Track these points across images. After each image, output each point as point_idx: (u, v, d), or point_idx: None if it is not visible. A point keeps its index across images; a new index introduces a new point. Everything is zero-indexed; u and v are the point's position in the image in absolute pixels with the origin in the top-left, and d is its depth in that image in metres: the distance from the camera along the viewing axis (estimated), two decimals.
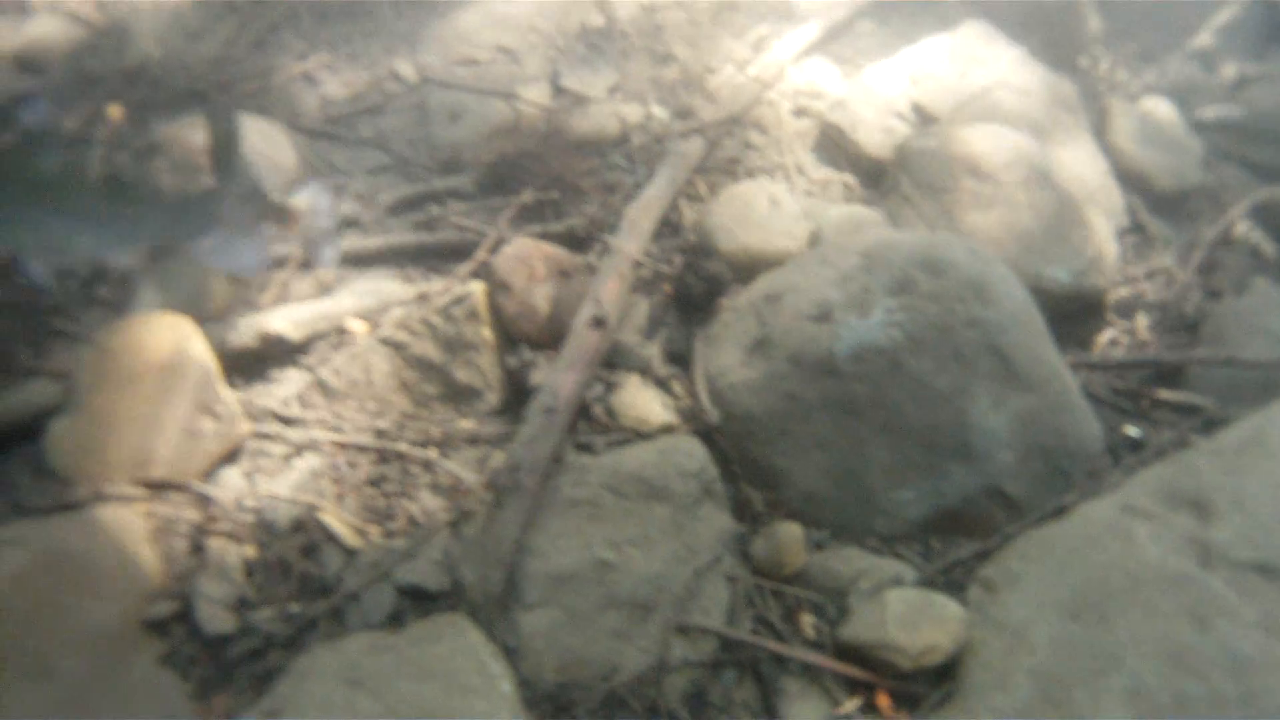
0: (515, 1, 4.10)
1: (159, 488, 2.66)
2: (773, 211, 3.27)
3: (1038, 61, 3.99)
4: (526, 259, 2.92)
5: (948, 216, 3.40)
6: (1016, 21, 4.17)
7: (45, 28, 4.08)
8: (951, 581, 2.60)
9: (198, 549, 2.59)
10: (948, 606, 2.44)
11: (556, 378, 2.70)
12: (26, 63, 3.94)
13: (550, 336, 2.88)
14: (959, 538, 2.76)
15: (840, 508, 2.82)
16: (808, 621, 2.57)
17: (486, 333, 2.90)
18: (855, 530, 2.76)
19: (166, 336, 2.74)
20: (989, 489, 2.76)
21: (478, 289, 2.91)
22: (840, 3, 4.27)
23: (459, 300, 2.89)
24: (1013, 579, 2.58)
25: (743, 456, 2.88)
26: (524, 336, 2.89)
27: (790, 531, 2.70)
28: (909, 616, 2.43)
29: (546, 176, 3.21)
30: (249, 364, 2.90)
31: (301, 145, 3.46)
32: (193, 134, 3.34)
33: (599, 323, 2.80)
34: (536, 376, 2.81)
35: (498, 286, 2.91)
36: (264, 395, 2.87)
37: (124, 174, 3.30)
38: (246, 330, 2.90)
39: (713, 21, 4.16)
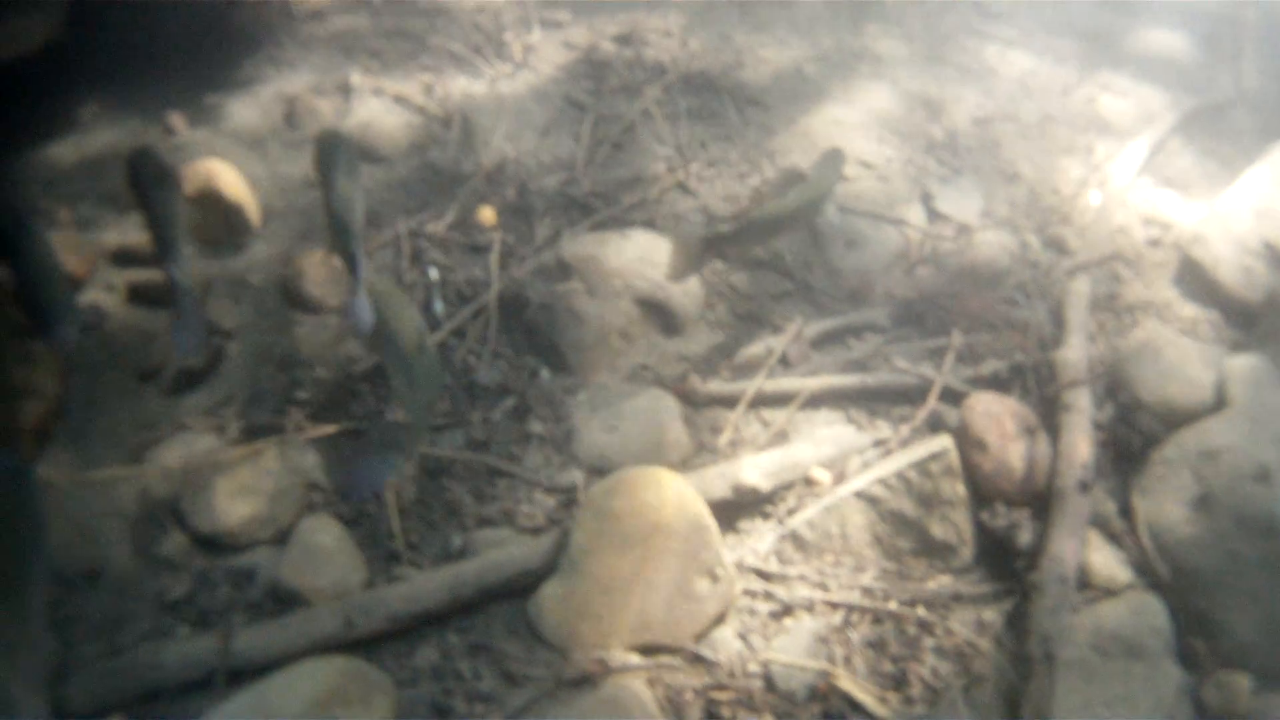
0: (852, 106, 4.24)
1: (657, 652, 2.75)
2: (1180, 360, 3.49)
3: None
4: (998, 416, 3.09)
5: None
6: None
7: (373, 111, 4.07)
8: None
9: (712, 718, 2.69)
10: None
11: (1062, 545, 2.88)
12: (366, 150, 3.91)
13: (1025, 494, 3.06)
14: None
15: (1274, 657, 3.07)
16: None
17: (961, 489, 3.05)
18: None
19: (666, 497, 2.82)
20: None
21: (950, 444, 3.07)
22: (1153, 116, 4.53)
23: (935, 456, 3.04)
24: None
25: (1186, 609, 3.10)
26: (999, 494, 3.06)
27: (1239, 682, 2.94)
28: None
29: (964, 316, 3.37)
30: (718, 515, 3.00)
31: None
32: (603, 250, 3.41)
33: (1085, 486, 2.99)
34: (1023, 537, 2.99)
35: (972, 443, 3.07)
36: (738, 548, 2.98)
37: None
38: (720, 482, 3.00)
39: (1040, 135, 4.38)
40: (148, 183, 3.12)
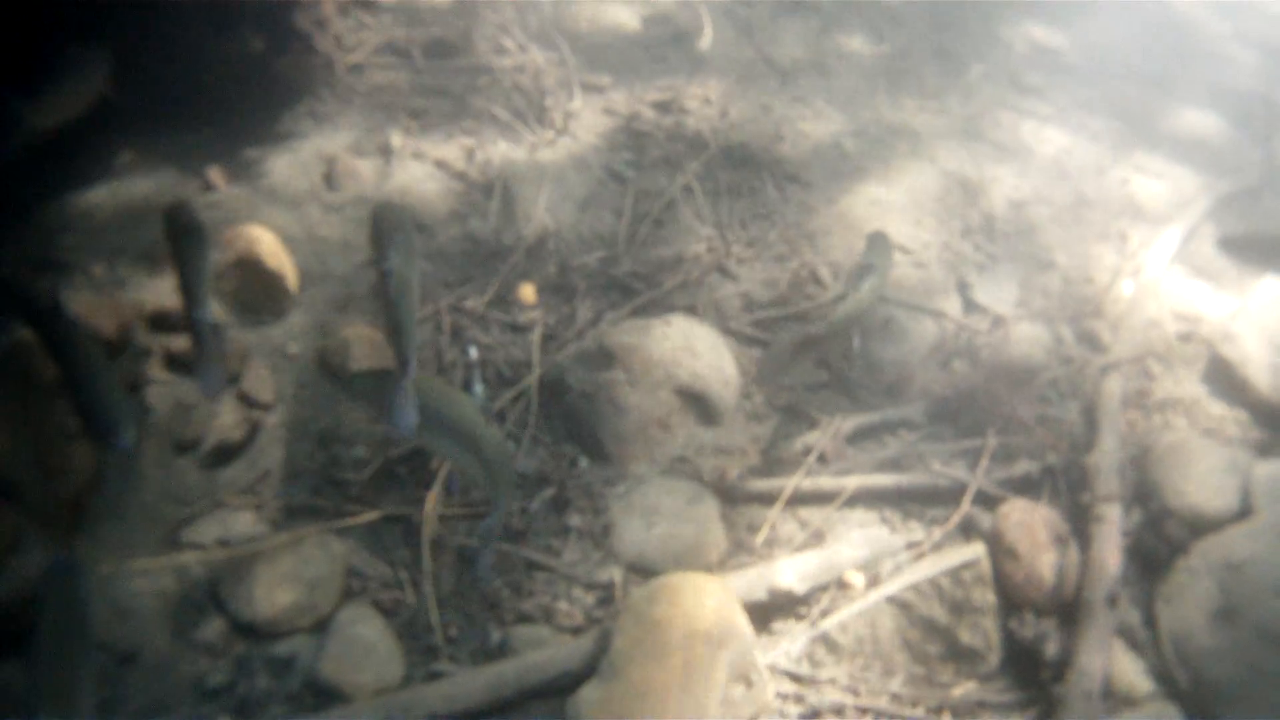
0: (891, 185, 4.30)
1: None
2: (1207, 466, 3.57)
3: None
4: (1030, 526, 3.17)
5: None
6: None
7: (414, 175, 4.11)
8: None
9: None
10: None
11: (1089, 659, 2.96)
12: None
13: (1053, 604, 3.14)
14: None
15: None
16: None
17: (991, 596, 3.13)
18: None
19: (706, 605, 2.88)
20: None
21: (983, 553, 3.14)
22: (1186, 199, 4.61)
23: (968, 564, 3.12)
24: None
25: (1205, 717, 3.20)
26: (1028, 603, 3.14)
27: None
28: None
29: (999, 415, 3.45)
30: (753, 616, 3.06)
31: (735, 350, 3.61)
32: (645, 339, 3.46)
33: (1113, 601, 3.07)
34: (1050, 648, 3.07)
35: (1004, 552, 3.15)
36: (771, 650, 3.05)
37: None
38: (757, 585, 3.07)
39: (1075, 219, 4.45)
40: (179, 233, 3.25)
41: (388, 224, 3.22)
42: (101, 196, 4.13)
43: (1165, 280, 4.31)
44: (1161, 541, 3.41)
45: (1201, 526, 3.52)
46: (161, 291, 3.70)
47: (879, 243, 3.72)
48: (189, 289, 3.16)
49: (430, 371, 3.47)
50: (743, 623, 2.94)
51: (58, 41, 3.64)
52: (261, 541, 3.04)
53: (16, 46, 3.53)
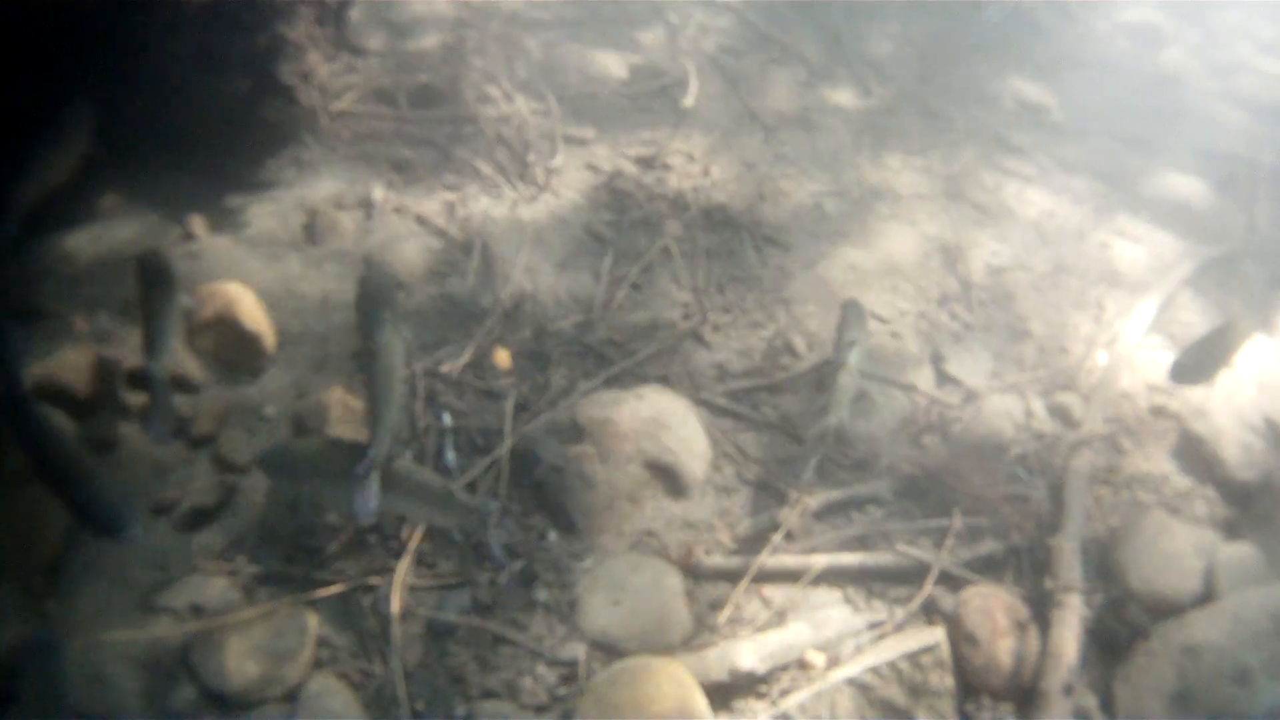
0: (870, 250, 4.38)
1: None
2: (1172, 549, 3.67)
3: None
4: (990, 612, 3.28)
5: None
6: None
7: (394, 231, 4.19)
8: None
9: None
10: None
11: None
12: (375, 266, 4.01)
13: (1011, 690, 3.24)
14: None
15: None
16: None
17: (950, 680, 3.23)
18: None
19: (666, 690, 2.99)
20: None
21: (943, 638, 3.24)
22: (1165, 265, 4.69)
23: (927, 649, 3.21)
24: None
25: None
26: (986, 688, 3.24)
27: None
28: None
29: (966, 494, 3.54)
30: (713, 695, 3.15)
31: (707, 422, 3.70)
32: (616, 412, 3.53)
33: (1069, 690, 3.16)
34: None
35: (964, 637, 3.25)
36: None
37: None
38: (718, 666, 3.17)
39: (1053, 286, 4.54)
40: (148, 281, 3.47)
41: (376, 293, 3.32)
42: (83, 241, 4.19)
43: (1141, 350, 4.40)
44: (1123, 625, 3.50)
45: (1163, 610, 3.62)
46: (140, 346, 3.79)
47: (854, 312, 3.82)
48: (151, 337, 3.35)
49: (403, 441, 3.55)
50: (702, 707, 3.03)
51: (43, 107, 3.71)
52: (234, 613, 3.13)
53: (4, 128, 3.60)
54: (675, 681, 3.01)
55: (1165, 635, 3.53)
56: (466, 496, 3.15)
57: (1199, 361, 3.97)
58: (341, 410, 3.64)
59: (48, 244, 4.16)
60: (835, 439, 3.55)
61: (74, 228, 4.21)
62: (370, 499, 2.94)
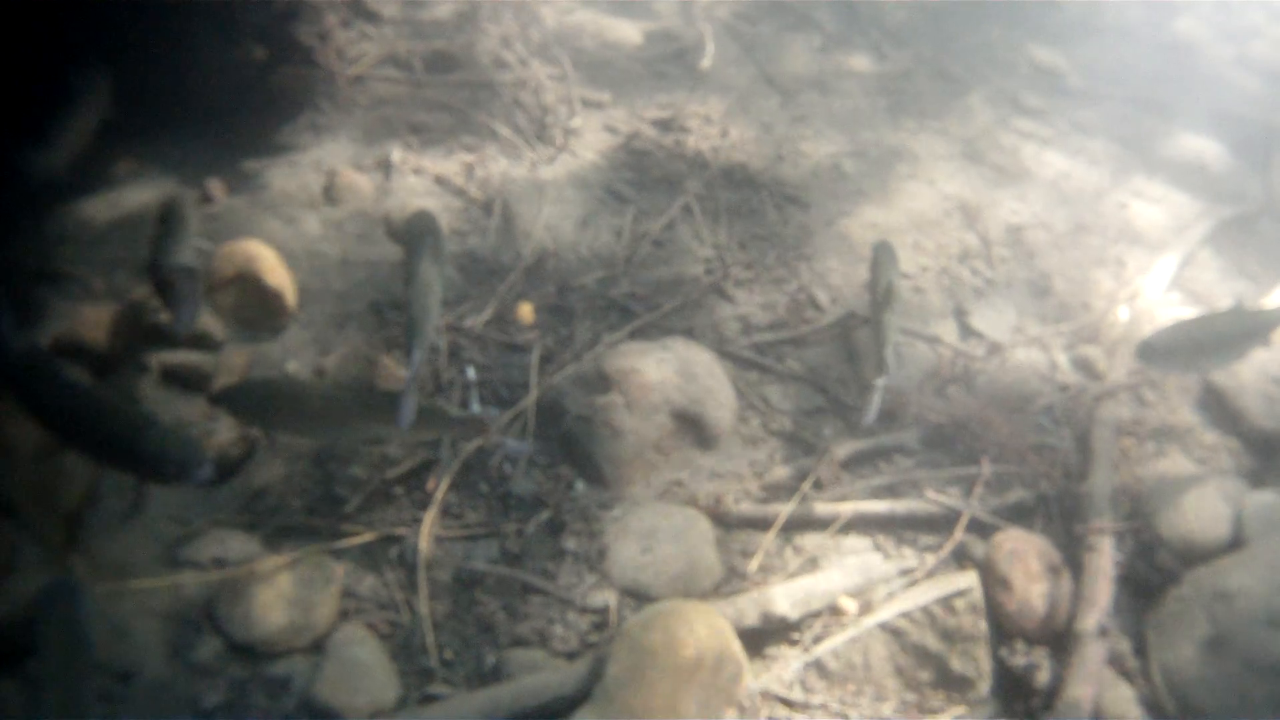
0: (889, 208, 4.37)
1: None
2: (1200, 496, 3.66)
3: None
4: (1023, 556, 3.25)
5: None
6: None
7: (413, 191, 4.20)
8: None
9: None
10: None
11: (1078, 691, 3.03)
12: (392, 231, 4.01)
13: (1045, 633, 3.22)
14: None
15: None
16: None
17: (984, 625, 3.21)
18: None
19: (699, 633, 2.95)
20: None
21: (976, 583, 3.22)
22: (1184, 224, 4.69)
23: (961, 593, 3.19)
24: None
25: None
26: (1020, 632, 3.22)
27: None
28: None
29: (994, 443, 3.52)
30: (746, 641, 3.13)
31: (732, 374, 3.68)
32: (643, 362, 3.52)
33: (1104, 632, 3.15)
34: (1041, 677, 3.15)
35: (997, 581, 3.23)
36: (764, 675, 3.12)
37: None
38: (751, 611, 3.14)
39: (1073, 244, 4.54)
40: (164, 216, 3.49)
41: (422, 226, 3.32)
42: (100, 206, 4.18)
43: (1162, 306, 4.40)
44: (1154, 570, 3.49)
45: (1193, 556, 3.60)
46: (159, 304, 3.77)
47: (886, 254, 3.79)
48: (167, 238, 3.35)
49: (428, 392, 3.54)
50: (736, 649, 3.01)
51: (59, 73, 3.70)
52: (258, 562, 3.11)
53: (20, 95, 3.58)
54: (709, 624, 2.98)
55: (1197, 581, 3.52)
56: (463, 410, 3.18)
57: (1171, 346, 3.50)
58: (362, 364, 3.62)
59: (64, 210, 4.16)
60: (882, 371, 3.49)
61: (90, 193, 4.21)
62: (410, 408, 2.93)
